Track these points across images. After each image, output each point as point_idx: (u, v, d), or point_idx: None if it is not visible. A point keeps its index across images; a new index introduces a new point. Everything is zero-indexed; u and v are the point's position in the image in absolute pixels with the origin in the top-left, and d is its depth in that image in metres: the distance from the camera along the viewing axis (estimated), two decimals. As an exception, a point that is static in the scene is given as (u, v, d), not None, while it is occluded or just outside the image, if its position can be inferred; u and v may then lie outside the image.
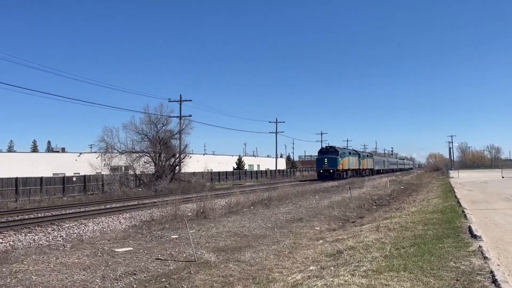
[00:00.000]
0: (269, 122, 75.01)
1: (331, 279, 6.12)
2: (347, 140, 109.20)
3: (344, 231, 12.30)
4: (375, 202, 22.11)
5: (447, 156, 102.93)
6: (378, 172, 76.25)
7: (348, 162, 55.29)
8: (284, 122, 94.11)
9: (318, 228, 13.28)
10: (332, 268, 6.97)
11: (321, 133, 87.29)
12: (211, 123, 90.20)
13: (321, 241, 10.75)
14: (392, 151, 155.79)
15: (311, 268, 7.37)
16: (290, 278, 6.74)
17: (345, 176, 52.53)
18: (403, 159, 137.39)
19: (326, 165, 49.44)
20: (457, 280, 5.60)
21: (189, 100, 43.92)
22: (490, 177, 40.46)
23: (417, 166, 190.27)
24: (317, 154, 54.41)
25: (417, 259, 6.86)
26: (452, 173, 51.14)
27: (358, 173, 61.11)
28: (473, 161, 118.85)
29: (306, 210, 18.01)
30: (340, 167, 50.47)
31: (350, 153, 58.91)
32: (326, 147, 53.76)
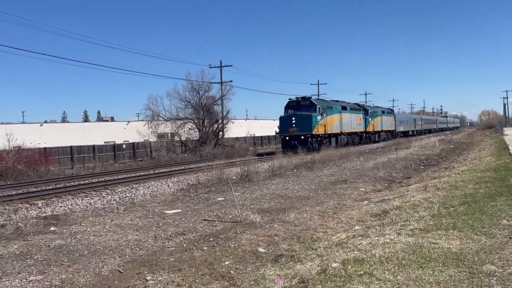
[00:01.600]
0: (311, 84, 73.61)
1: (376, 238, 6.09)
2: (393, 100, 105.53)
3: (390, 192, 12.11)
4: (423, 162, 21.47)
5: (502, 113, 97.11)
6: (405, 134, 58.09)
7: (345, 121, 36.76)
8: (326, 84, 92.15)
9: (362, 189, 13.15)
10: (377, 227, 6.92)
11: (365, 94, 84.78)
12: (252, 88, 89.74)
13: (366, 201, 10.66)
14: (441, 110, 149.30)
15: (356, 227, 7.35)
16: (334, 237, 6.77)
17: (337, 143, 34.29)
18: (446, 117, 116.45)
19: (294, 128, 30.34)
20: (510, 238, 5.40)
21: (230, 66, 43.76)
22: (549, 134, 37.92)
23: (468, 125, 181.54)
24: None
25: (467, 217, 6.66)
26: (507, 130, 48.42)
27: (366, 137, 42.34)
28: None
29: (350, 172, 17.83)
30: (317, 130, 30.99)
31: (345, 109, 37.59)
32: (297, 98, 32.17)
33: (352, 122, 38.66)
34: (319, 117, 31.38)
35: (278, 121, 34.06)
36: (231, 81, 42.79)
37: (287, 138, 30.73)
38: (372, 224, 7.37)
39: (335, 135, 34.80)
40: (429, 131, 75.46)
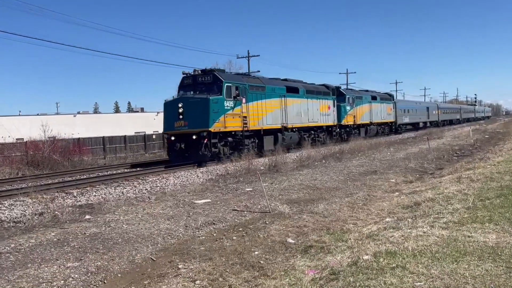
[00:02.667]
0: (339, 73, 72.47)
1: (408, 230, 5.99)
2: (425, 89, 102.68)
3: (422, 183, 11.84)
4: (456, 153, 20.85)
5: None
6: (416, 126, 50.04)
7: (287, 110, 23.39)
8: (355, 72, 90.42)
9: (393, 180, 12.92)
10: (409, 219, 6.80)
11: (396, 82, 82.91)
12: (280, 78, 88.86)
13: (397, 193, 10.47)
14: (475, 98, 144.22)
15: (387, 219, 7.24)
16: (365, 229, 6.70)
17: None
18: (474, 105, 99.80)
19: (182, 123, 18.47)
20: (550, 232, 5.19)
21: (257, 56, 43.95)
22: None
23: (504, 114, 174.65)
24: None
25: (504, 210, 6.45)
26: (546, 120, 46.25)
27: (344, 132, 31.20)
28: None
29: (380, 163, 17.54)
30: (221, 124, 18.73)
31: (294, 90, 25.04)
32: (195, 71, 19.83)
33: (311, 111, 26.17)
34: (222, 106, 18.69)
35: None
36: (259, 71, 42.85)
37: (172, 138, 18.83)
38: (403, 216, 7.25)
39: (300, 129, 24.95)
40: (450, 122, 65.06)
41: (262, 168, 16.31)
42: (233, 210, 9.29)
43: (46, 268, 5.86)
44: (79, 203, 10.94)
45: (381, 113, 38.20)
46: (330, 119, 28.95)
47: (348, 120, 31.15)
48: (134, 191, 12.41)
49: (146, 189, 12.70)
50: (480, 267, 4.31)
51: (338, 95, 30.65)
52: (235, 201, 10.27)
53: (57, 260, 6.22)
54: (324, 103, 28.04)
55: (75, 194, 12.13)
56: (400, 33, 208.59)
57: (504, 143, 22.78)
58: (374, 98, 36.97)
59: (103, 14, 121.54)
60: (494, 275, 4.10)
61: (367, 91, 38.32)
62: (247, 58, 42.68)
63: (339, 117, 30.24)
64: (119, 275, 5.71)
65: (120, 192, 12.26)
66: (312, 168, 16.49)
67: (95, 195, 11.95)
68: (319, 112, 27.32)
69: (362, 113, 33.77)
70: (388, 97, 42.03)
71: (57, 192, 12.38)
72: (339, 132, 30.53)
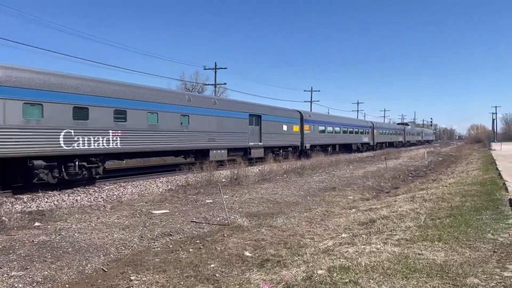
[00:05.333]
0: (304, 91, 73.89)
1: (362, 246, 6.12)
2: (384, 110, 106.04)
3: (378, 201, 12.17)
4: (411, 173, 21.65)
5: (490, 128, 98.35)
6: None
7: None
8: (319, 91, 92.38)
9: (351, 197, 13.21)
10: (364, 236, 6.95)
11: (357, 103, 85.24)
12: (246, 92, 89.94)
13: (354, 209, 10.70)
14: (431, 122, 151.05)
15: (343, 235, 7.38)
16: (321, 244, 6.79)
17: None
18: (404, 125, 76.82)
19: None
20: (494, 252, 5.46)
21: (224, 68, 43.91)
22: (536, 150, 38.51)
23: (457, 138, 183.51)
24: None
25: (452, 230, 6.72)
26: (495, 145, 49.09)
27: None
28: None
29: (339, 179, 17.91)
30: None
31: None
32: None
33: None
34: None
35: None
36: (225, 83, 43.23)
37: None
38: (359, 232, 7.40)
39: None
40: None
41: (223, 180, 16.23)
42: (191, 221, 9.16)
43: (-13, 277, 5.52)
44: (29, 209, 10.44)
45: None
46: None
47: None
48: (89, 199, 12.00)
49: (102, 197, 12.31)
50: (428, 284, 4.45)
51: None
52: (194, 212, 10.14)
53: (1, 268, 5.87)
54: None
55: (25, 200, 11.58)
56: (366, 58, 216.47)
57: (456, 166, 23.89)
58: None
59: (69, 18, 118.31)
60: (440, 292, 4.24)
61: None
62: (214, 70, 42.72)
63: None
64: (67, 285, 5.46)
65: (74, 200, 11.82)
66: (274, 182, 16.59)
67: (46, 201, 11.45)
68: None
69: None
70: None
71: (6, 197, 11.78)
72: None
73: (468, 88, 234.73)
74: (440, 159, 32.80)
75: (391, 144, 58.83)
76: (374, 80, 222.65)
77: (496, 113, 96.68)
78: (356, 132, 46.46)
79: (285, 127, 29.74)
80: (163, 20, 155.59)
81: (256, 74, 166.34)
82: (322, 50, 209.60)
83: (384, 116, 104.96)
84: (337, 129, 40.79)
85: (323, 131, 36.83)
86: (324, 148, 35.80)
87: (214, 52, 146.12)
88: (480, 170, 17.83)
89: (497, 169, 17.45)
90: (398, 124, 78.19)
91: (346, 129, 43.02)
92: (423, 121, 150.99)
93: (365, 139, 49.53)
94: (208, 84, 42.91)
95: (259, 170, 18.99)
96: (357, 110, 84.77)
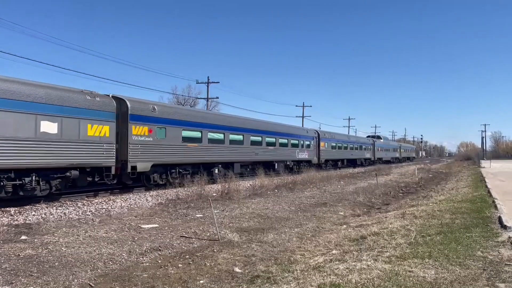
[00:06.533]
0: (296, 106, 74.29)
1: (353, 263, 6.09)
2: (375, 127, 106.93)
3: (369, 217, 12.17)
4: (402, 190, 21.74)
5: (479, 146, 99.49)
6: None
7: None
8: (311, 106, 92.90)
9: (342, 213, 13.19)
10: (355, 252, 6.93)
11: (349, 119, 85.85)
12: (238, 106, 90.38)
13: (344, 226, 10.68)
14: (421, 139, 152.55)
15: (334, 252, 7.34)
16: (312, 261, 6.74)
17: None
18: (375, 138, 64.23)
19: None
20: (484, 269, 5.47)
21: (217, 82, 44.18)
22: (524, 168, 38.99)
23: (447, 155, 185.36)
24: None
25: (443, 247, 6.73)
26: (484, 163, 49.67)
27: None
28: (506, 152, 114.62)
29: (330, 195, 17.90)
30: None
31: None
32: None
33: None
34: None
35: None
36: (217, 97, 43.49)
37: None
38: (349, 249, 7.37)
39: None
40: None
41: (214, 194, 16.14)
42: (181, 236, 9.06)
43: (-30, 292, 5.39)
44: (16, 222, 10.27)
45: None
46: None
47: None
48: (77, 212, 11.84)
49: (91, 211, 12.15)
50: (419, 301, 4.43)
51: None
52: (184, 227, 10.04)
53: (-16, 283, 5.74)
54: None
55: (12, 213, 11.39)
56: (356, 74, 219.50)
57: (446, 183, 24.05)
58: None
59: (55, 28, 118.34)
60: (431, 310, 4.22)
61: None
62: (206, 84, 42.88)
63: None
64: (52, 301, 5.34)
65: (62, 213, 11.65)
66: (265, 197, 16.53)
67: (34, 215, 11.27)
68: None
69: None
70: None
71: (-8, 209, 11.58)
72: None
73: (458, 106, 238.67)
74: (431, 175, 33.04)
75: (347, 162, 46.61)
76: (365, 96, 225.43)
77: (485, 131, 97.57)
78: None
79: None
80: (156, 34, 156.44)
81: (248, 88, 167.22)
82: (313, 65, 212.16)
83: (375, 133, 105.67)
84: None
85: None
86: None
87: (206, 66, 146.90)
88: (470, 188, 17.97)
89: (486, 186, 17.61)
90: (368, 136, 65.20)
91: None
92: (413, 137, 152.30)
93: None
94: (201, 98, 43.12)
95: (250, 184, 18.94)
96: (348, 126, 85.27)
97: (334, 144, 41.18)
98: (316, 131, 39.19)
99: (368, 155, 54.76)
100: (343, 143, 44.45)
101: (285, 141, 31.44)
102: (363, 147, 53.11)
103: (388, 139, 71.48)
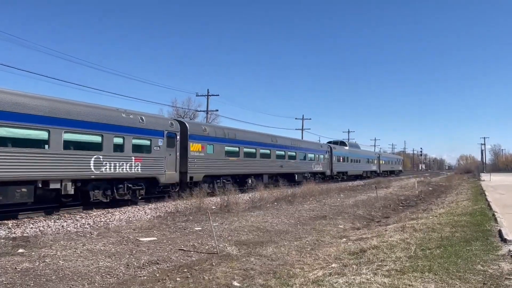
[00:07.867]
0: (295, 118, 74.42)
1: (353, 277, 6.04)
2: (375, 139, 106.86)
3: (369, 230, 12.11)
4: (402, 203, 21.66)
5: (479, 159, 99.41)
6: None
7: None
8: (310, 119, 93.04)
9: (341, 226, 13.13)
10: (354, 266, 6.88)
11: (348, 131, 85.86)
12: (238, 119, 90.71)
13: (344, 239, 10.62)
14: (421, 152, 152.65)
15: (333, 265, 7.29)
16: (311, 274, 6.69)
17: None
18: (337, 144, 46.56)
19: None
20: (484, 283, 5.42)
21: (216, 95, 44.33)
22: (524, 181, 38.93)
23: (446, 168, 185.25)
24: None
25: (443, 261, 6.68)
26: (484, 176, 49.62)
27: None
28: (506, 165, 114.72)
29: (330, 208, 17.83)
30: None
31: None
32: None
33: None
34: None
35: None
36: (217, 110, 43.59)
37: None
38: (349, 262, 7.32)
39: None
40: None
41: (213, 207, 16.08)
42: (179, 249, 8.99)
43: (-35, 306, 5.33)
44: (13, 235, 10.20)
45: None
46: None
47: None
48: (75, 225, 11.78)
49: (89, 224, 12.09)
50: (419, 316, 4.38)
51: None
52: (183, 240, 9.98)
53: (-20, 297, 5.68)
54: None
55: (9, 226, 11.33)
56: (356, 87, 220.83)
57: (446, 196, 23.99)
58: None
59: (58, 41, 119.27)
60: (431, 325, 4.17)
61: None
62: (206, 96, 43.05)
63: None
64: (48, 315, 5.28)
65: (60, 226, 11.59)
66: (264, 210, 16.46)
67: (31, 227, 11.22)
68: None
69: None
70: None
71: (-10, 222, 11.52)
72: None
73: (458, 119, 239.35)
74: (430, 189, 32.95)
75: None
76: (365, 108, 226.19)
77: (485, 144, 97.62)
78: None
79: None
80: (157, 46, 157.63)
81: (248, 101, 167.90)
82: (314, 76, 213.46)
83: (374, 146, 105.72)
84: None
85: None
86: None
87: (206, 79, 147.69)
88: (470, 201, 17.91)
89: (486, 199, 17.56)
90: (330, 142, 46.63)
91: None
92: (413, 150, 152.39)
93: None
94: (200, 111, 43.26)
95: (249, 197, 18.87)
96: (348, 139, 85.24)
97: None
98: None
99: (318, 167, 38.27)
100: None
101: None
102: (308, 156, 36.13)
103: (358, 146, 54.93)
